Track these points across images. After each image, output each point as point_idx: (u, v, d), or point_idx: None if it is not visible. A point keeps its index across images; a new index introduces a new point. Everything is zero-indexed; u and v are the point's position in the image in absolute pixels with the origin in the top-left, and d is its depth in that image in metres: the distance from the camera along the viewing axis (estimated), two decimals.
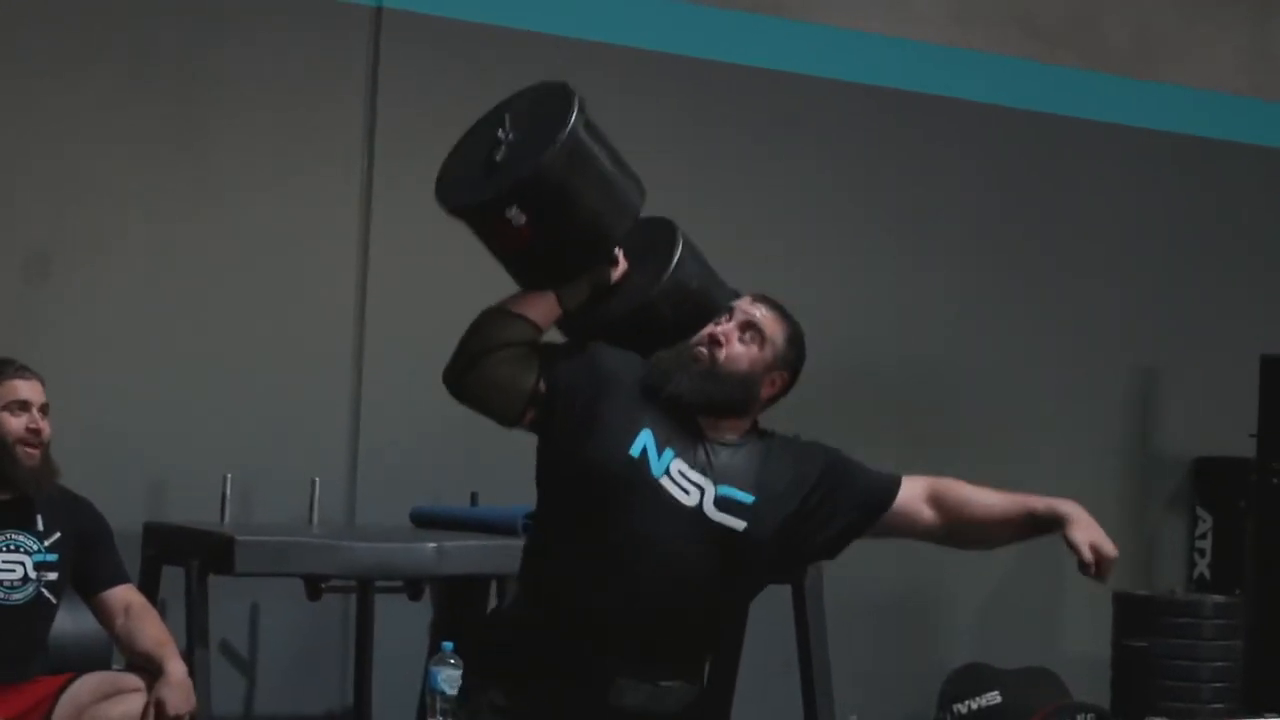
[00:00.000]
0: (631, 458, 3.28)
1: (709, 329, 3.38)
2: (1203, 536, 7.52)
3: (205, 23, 5.76)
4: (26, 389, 4.30)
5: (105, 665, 4.64)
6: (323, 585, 5.28)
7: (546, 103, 3.28)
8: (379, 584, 5.53)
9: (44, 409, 4.32)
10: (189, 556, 5.05)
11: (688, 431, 3.33)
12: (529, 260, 3.32)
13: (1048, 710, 6.44)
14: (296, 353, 5.84)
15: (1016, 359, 7.22)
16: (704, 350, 3.36)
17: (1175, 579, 7.41)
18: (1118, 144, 7.43)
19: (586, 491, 3.31)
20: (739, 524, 3.30)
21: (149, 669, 4.30)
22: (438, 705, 4.62)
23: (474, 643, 3.46)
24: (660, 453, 3.30)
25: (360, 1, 5.96)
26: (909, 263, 7.00)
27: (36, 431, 4.27)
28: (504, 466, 5.96)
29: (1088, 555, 3.48)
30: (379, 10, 5.95)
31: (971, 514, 3.55)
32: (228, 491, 5.49)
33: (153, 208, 5.70)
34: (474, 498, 5.75)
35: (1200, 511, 7.54)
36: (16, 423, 4.26)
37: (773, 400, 3.46)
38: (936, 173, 7.08)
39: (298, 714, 5.75)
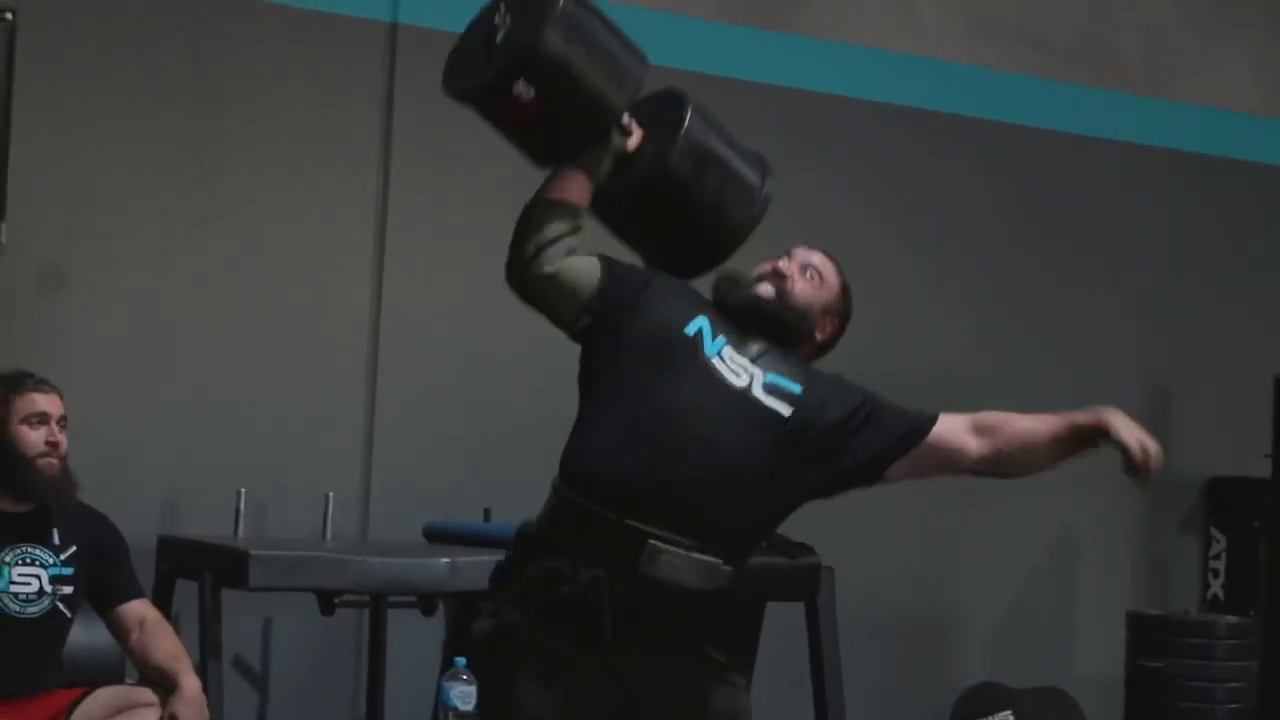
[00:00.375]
0: (685, 334, 3.32)
1: (770, 263, 3.45)
2: (1216, 557, 7.50)
3: (220, 36, 5.76)
4: (45, 402, 4.30)
5: (119, 679, 4.63)
6: (336, 600, 5.27)
7: None
8: (392, 599, 5.52)
9: (62, 421, 4.32)
10: (203, 570, 5.04)
11: (742, 332, 3.37)
12: (545, 135, 3.38)
13: None
14: (311, 368, 5.84)
15: (1028, 377, 7.20)
16: (767, 282, 3.42)
17: (1189, 599, 7.40)
18: (1130, 162, 7.43)
19: (636, 361, 3.31)
20: (785, 409, 3.31)
21: (163, 684, 4.30)
22: None
23: (500, 568, 3.41)
24: (714, 338, 3.33)
25: (376, 17, 5.97)
26: (920, 280, 6.99)
27: (55, 444, 4.27)
28: (517, 483, 5.96)
29: (1138, 453, 3.35)
30: (394, 26, 5.96)
31: (1016, 435, 3.46)
32: (242, 506, 5.49)
33: (167, 221, 5.70)
34: (487, 514, 5.74)
35: (1214, 532, 7.52)
36: (35, 436, 4.26)
37: (823, 349, 3.51)
38: (948, 190, 7.08)
39: None
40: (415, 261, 5.99)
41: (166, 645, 4.36)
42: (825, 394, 3.38)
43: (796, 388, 3.35)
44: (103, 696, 4.28)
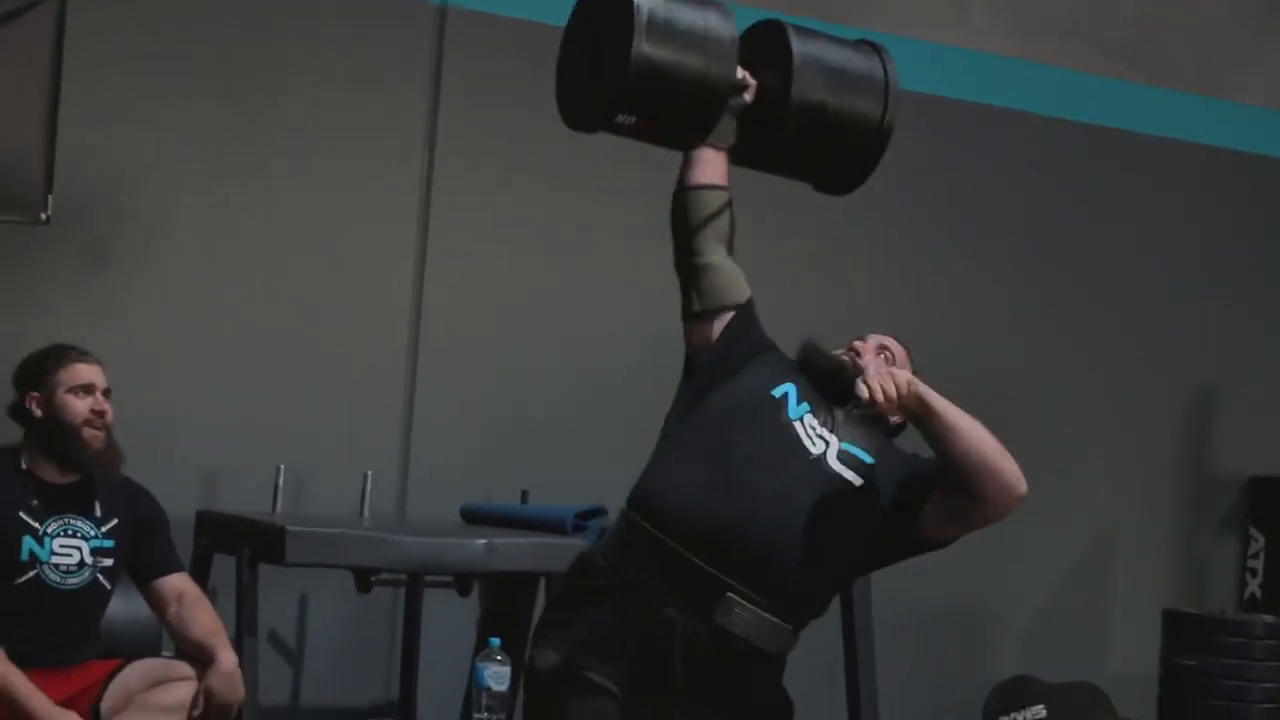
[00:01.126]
0: (773, 396, 3.38)
1: (848, 343, 3.53)
2: (1255, 556, 7.47)
3: (269, 17, 5.79)
4: (90, 372, 4.34)
5: (156, 652, 4.67)
6: (372, 578, 5.29)
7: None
8: (428, 578, 5.54)
9: (107, 393, 4.35)
10: (240, 545, 5.07)
11: (825, 403, 3.43)
12: (670, 131, 3.44)
13: None
14: (352, 347, 5.87)
15: (1071, 374, 7.19)
16: (846, 356, 3.50)
17: (1226, 599, 7.37)
18: (1177, 159, 7.39)
19: (724, 414, 3.38)
20: (857, 479, 3.35)
21: (199, 658, 4.33)
22: (483, 701, 4.65)
23: (564, 583, 3.44)
24: (798, 403, 3.39)
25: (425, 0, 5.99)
26: (965, 275, 6.98)
27: (101, 413, 4.30)
28: (555, 466, 6.02)
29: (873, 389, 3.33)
30: (443, 8, 5.97)
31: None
32: (280, 482, 5.52)
33: (212, 200, 5.73)
34: (524, 495, 5.76)
35: (1253, 531, 7.49)
36: (81, 405, 4.29)
37: (900, 428, 3.52)
38: (996, 184, 7.07)
39: (344, 705, 5.77)
40: (459, 244, 6.00)
41: (204, 619, 4.40)
42: (894, 464, 3.42)
43: (869, 459, 3.39)
44: (140, 668, 4.31)
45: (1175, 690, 4.93)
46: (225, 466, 5.65)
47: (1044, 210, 7.16)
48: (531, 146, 5.93)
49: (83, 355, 4.37)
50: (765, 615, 3.25)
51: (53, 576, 4.26)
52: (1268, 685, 6.18)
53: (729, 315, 3.47)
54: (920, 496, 3.39)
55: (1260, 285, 7.58)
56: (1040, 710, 6.63)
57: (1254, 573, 7.46)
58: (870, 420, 3.42)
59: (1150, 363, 7.34)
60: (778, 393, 3.39)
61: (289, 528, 4.98)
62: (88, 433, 4.28)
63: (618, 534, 3.36)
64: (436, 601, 5.67)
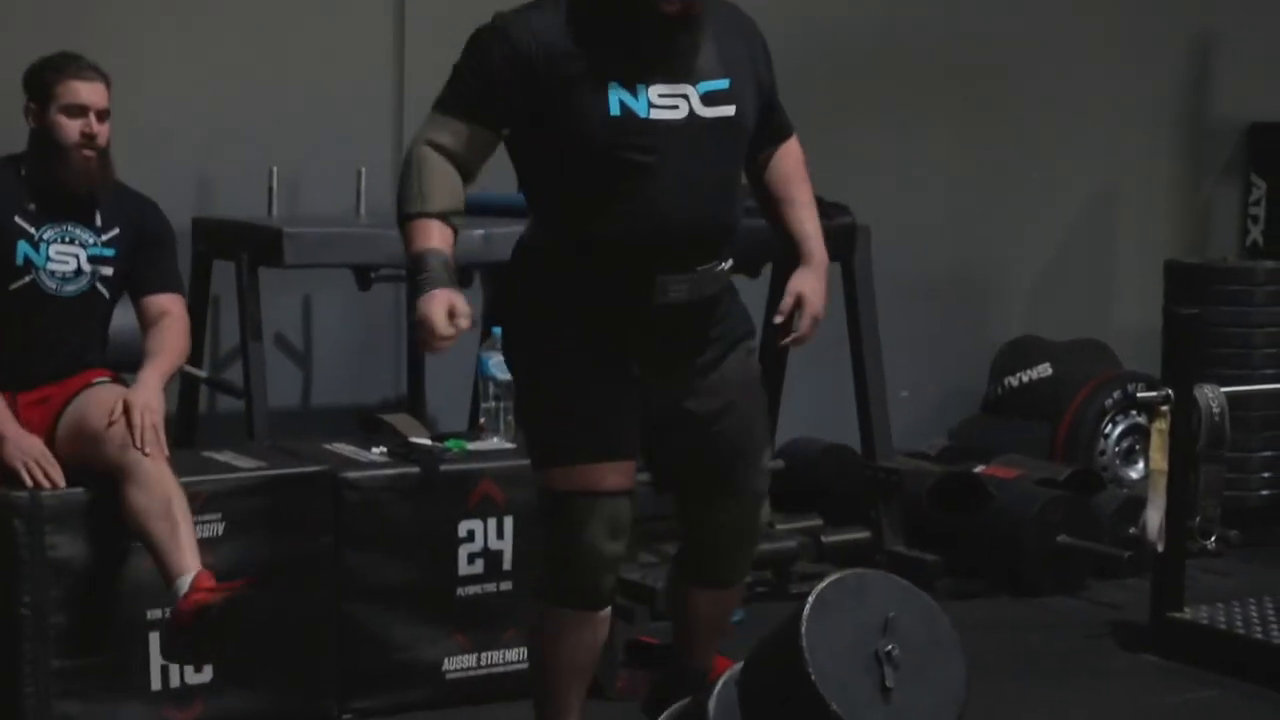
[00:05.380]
0: (613, 118, 3.39)
1: None
2: (1256, 203, 7.45)
3: None
4: (87, 91, 4.21)
5: None
6: (373, 275, 5.30)
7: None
8: None
9: (102, 114, 4.23)
10: (238, 250, 5.07)
11: (654, 59, 3.42)
12: None
13: (1099, 380, 6.47)
14: (339, 44, 5.79)
15: (1067, 28, 7.09)
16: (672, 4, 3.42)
17: (1227, 246, 7.38)
18: None
19: (590, 162, 3.41)
20: (729, 109, 3.48)
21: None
22: (490, 390, 4.70)
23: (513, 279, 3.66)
24: (635, 94, 3.40)
25: None
26: None
27: (91, 136, 4.21)
28: None
29: (787, 303, 3.61)
30: None
31: (777, 190, 3.73)
32: (274, 185, 5.50)
33: None
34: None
35: (1254, 178, 7.46)
36: (73, 126, 4.18)
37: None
38: None
39: (354, 403, 5.82)
40: None
41: (162, 339, 4.30)
42: (741, 63, 3.53)
43: (724, 82, 3.48)
44: (95, 395, 4.23)
45: (1178, 340, 4.94)
46: (218, 172, 5.62)
47: None
48: None
49: (82, 70, 4.22)
50: (695, 272, 3.48)
51: (49, 283, 4.22)
52: (1269, 330, 6.21)
53: (487, 132, 3.52)
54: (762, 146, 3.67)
55: None
56: (1046, 368, 6.69)
57: (1255, 219, 7.45)
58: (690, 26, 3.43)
59: (1146, 9, 7.23)
60: (614, 109, 3.38)
61: (286, 229, 4.98)
62: (76, 155, 4.21)
63: (560, 252, 3.50)
64: None
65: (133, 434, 4.05)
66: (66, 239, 4.25)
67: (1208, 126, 7.47)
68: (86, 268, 4.27)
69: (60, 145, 4.19)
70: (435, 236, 3.46)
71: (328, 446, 4.66)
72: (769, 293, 5.14)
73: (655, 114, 3.39)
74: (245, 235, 5.13)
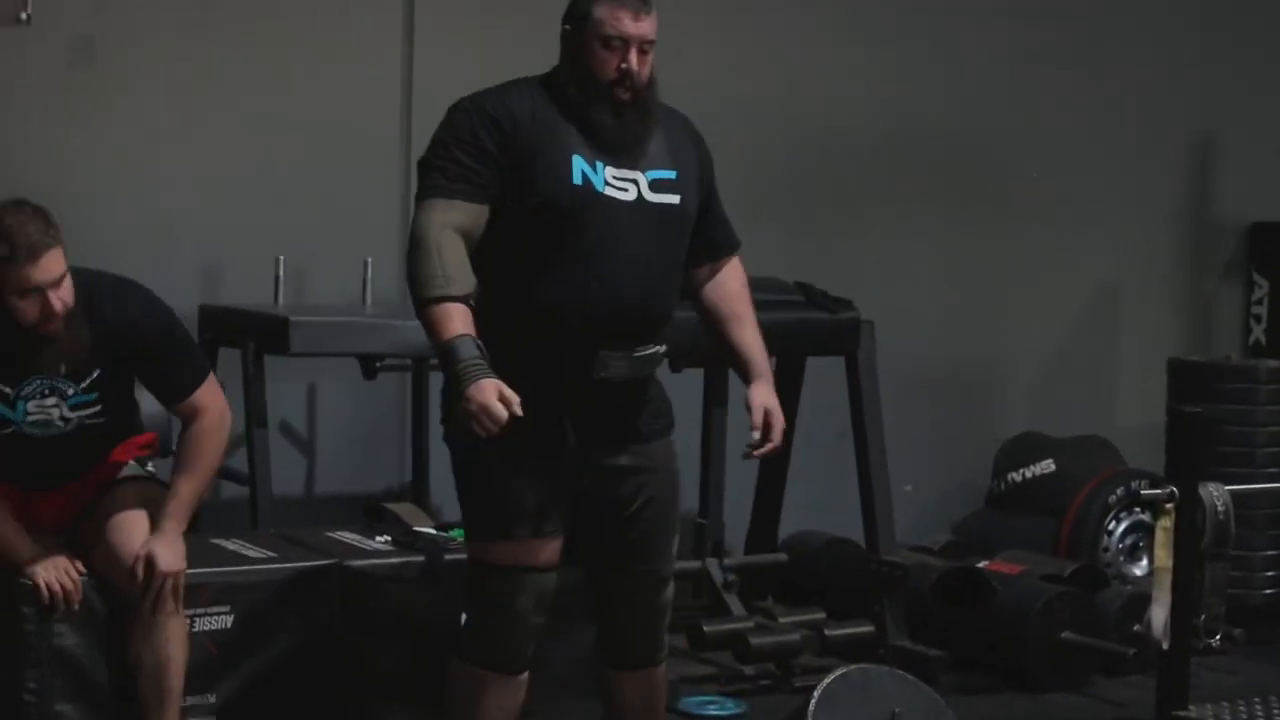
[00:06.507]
0: (575, 186, 3.59)
1: (616, 65, 3.61)
2: (1259, 302, 7.47)
3: None
4: (37, 273, 3.96)
5: None
6: (378, 364, 5.31)
7: None
8: (433, 361, 5.54)
9: (58, 282, 3.99)
10: (244, 338, 5.08)
11: (608, 141, 3.64)
12: None
13: (1102, 476, 6.46)
14: (347, 134, 5.81)
15: (1069, 124, 7.13)
16: (621, 89, 3.62)
17: (1230, 345, 7.39)
18: None
19: (548, 229, 3.59)
20: (674, 198, 3.70)
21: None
22: None
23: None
24: (595, 169, 3.61)
25: None
26: (957, 24, 6.88)
27: (51, 314, 3.99)
28: None
29: (759, 419, 3.78)
30: None
31: (726, 313, 3.89)
32: (281, 274, 5.51)
33: None
34: None
35: (1256, 277, 7.48)
36: (31, 308, 3.97)
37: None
38: None
39: (358, 491, 5.81)
40: (447, 23, 5.93)
41: (188, 452, 4.15)
42: (689, 161, 3.75)
43: (672, 173, 3.70)
44: (127, 515, 4.15)
45: (1181, 437, 4.94)
46: (225, 260, 5.64)
47: None
48: None
49: (31, 252, 3.95)
50: (634, 354, 3.67)
51: (33, 431, 4.10)
52: (1272, 429, 6.21)
53: (478, 209, 3.59)
54: (711, 257, 3.90)
55: (1261, 27, 7.49)
56: (1049, 464, 6.68)
57: (1258, 319, 7.47)
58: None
59: (1149, 109, 7.28)
60: (577, 178, 3.58)
61: (292, 318, 5.00)
62: (41, 331, 4.02)
63: (509, 331, 3.60)
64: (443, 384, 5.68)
65: (145, 597, 4.00)
66: (45, 391, 4.07)
67: (1209, 225, 7.50)
68: (70, 415, 4.10)
69: (21, 325, 4.00)
70: (462, 321, 3.49)
71: (332, 534, 4.65)
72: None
73: (609, 191, 3.60)
74: (251, 323, 5.14)
